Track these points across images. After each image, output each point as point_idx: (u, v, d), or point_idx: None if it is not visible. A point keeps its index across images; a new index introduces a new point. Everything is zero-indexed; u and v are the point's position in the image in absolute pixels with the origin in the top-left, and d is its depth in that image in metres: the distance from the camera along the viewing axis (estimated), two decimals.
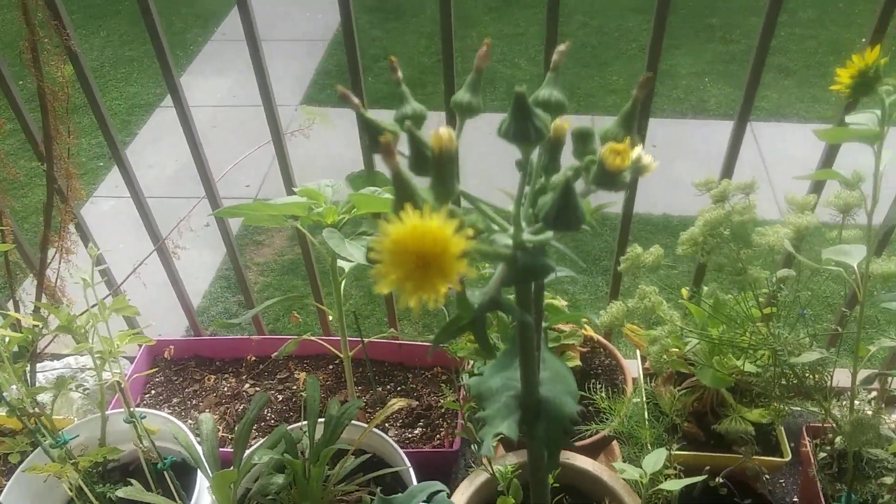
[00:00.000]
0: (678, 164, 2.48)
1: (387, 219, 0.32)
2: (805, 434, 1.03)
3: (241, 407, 1.20)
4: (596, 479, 0.99)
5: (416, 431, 1.16)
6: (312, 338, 1.16)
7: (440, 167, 0.36)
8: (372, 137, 0.40)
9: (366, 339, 1.13)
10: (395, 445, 1.02)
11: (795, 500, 1.14)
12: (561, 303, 1.12)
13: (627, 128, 0.38)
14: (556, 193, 0.36)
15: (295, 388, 1.23)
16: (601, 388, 1.08)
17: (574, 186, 0.36)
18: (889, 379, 0.90)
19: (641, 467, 0.91)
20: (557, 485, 0.95)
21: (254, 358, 1.29)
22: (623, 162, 0.36)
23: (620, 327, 0.95)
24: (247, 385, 1.25)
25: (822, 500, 0.95)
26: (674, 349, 0.94)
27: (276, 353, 1.12)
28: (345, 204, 0.97)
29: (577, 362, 1.05)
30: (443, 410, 1.19)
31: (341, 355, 1.10)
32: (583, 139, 0.39)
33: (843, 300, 1.16)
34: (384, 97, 3.04)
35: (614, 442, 1.13)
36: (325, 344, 1.16)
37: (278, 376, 1.26)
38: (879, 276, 0.77)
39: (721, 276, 0.87)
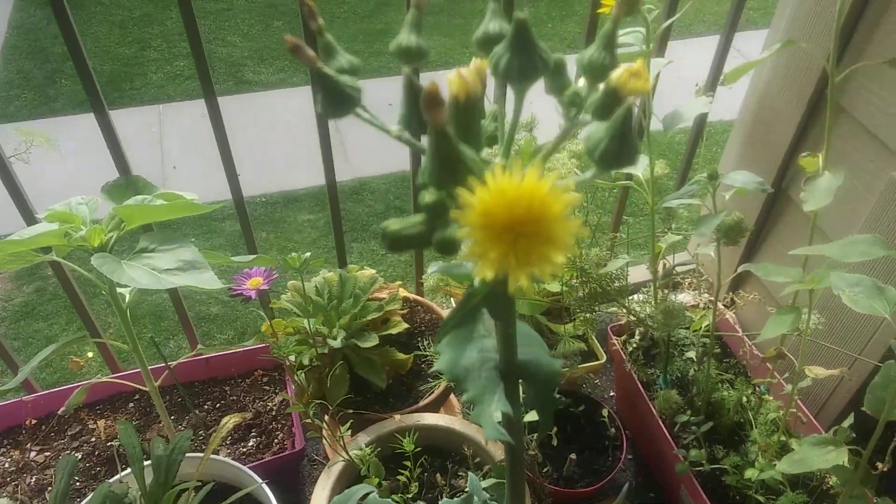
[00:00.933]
0: None
1: (464, 188, 0.26)
2: (611, 334, 1.14)
3: (33, 479, 1.01)
4: (449, 430, 1.00)
5: (250, 443, 1.07)
6: (106, 379, 1.00)
7: (468, 118, 0.31)
8: (332, 95, 0.34)
9: (171, 363, 1.01)
10: (239, 465, 0.93)
11: (612, 394, 1.27)
12: (369, 271, 1.10)
13: (613, 51, 0.35)
14: (611, 129, 0.32)
15: (94, 440, 1.06)
16: (428, 343, 1.08)
17: (632, 115, 0.32)
18: (673, 268, 1.02)
19: None
20: (419, 449, 0.95)
21: (33, 421, 1.09)
22: (645, 84, 0.32)
23: (445, 285, 0.96)
24: (33, 453, 1.05)
25: (640, 387, 1.06)
26: None
27: (62, 409, 0.95)
28: (110, 220, 0.83)
29: (404, 325, 1.04)
30: (274, 413, 1.11)
31: (144, 388, 0.97)
32: (557, 71, 0.35)
33: (634, 208, 1.29)
34: (84, 101, 2.69)
35: (451, 395, 1.15)
36: (123, 381, 1.01)
37: (69, 433, 1.08)
38: (657, 178, 0.86)
39: None
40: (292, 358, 0.98)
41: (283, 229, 2.25)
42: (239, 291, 0.86)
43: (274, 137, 2.65)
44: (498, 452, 0.97)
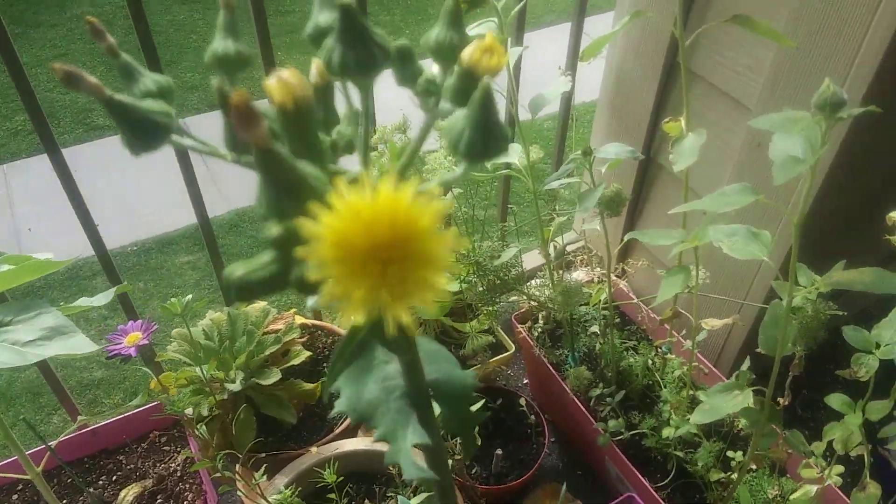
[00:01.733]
0: None
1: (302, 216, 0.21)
2: (515, 323, 1.14)
3: None
4: (370, 453, 0.96)
5: None
6: None
7: (302, 128, 0.26)
8: (135, 126, 0.28)
9: (52, 443, 0.91)
10: None
11: (525, 381, 1.27)
12: (260, 303, 1.04)
13: (461, 29, 0.31)
14: (472, 117, 0.28)
15: None
16: None
17: (491, 98, 0.28)
18: (564, 248, 1.03)
19: None
20: (342, 478, 0.90)
21: None
22: (500, 60, 0.29)
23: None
24: None
25: (552, 369, 1.07)
26: None
27: None
28: None
29: (306, 353, 0.99)
30: (179, 475, 1.03)
31: (26, 477, 0.87)
32: (406, 58, 0.31)
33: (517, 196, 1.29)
34: None
35: None
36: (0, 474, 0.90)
37: None
38: (534, 163, 0.87)
39: None
40: (190, 411, 0.91)
41: (161, 276, 2.12)
42: (116, 351, 0.78)
43: (137, 181, 2.50)
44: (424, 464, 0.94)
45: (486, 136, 0.29)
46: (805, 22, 0.83)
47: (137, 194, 2.43)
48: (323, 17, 0.32)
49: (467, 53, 0.30)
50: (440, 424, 0.42)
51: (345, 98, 0.34)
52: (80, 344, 0.66)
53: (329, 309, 0.96)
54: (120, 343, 0.79)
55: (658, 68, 1.05)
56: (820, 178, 0.88)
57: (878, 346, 0.72)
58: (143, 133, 0.30)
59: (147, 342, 0.78)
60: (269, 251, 0.28)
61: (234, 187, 2.41)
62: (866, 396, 0.75)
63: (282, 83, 0.26)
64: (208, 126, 2.63)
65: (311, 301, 0.45)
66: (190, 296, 0.81)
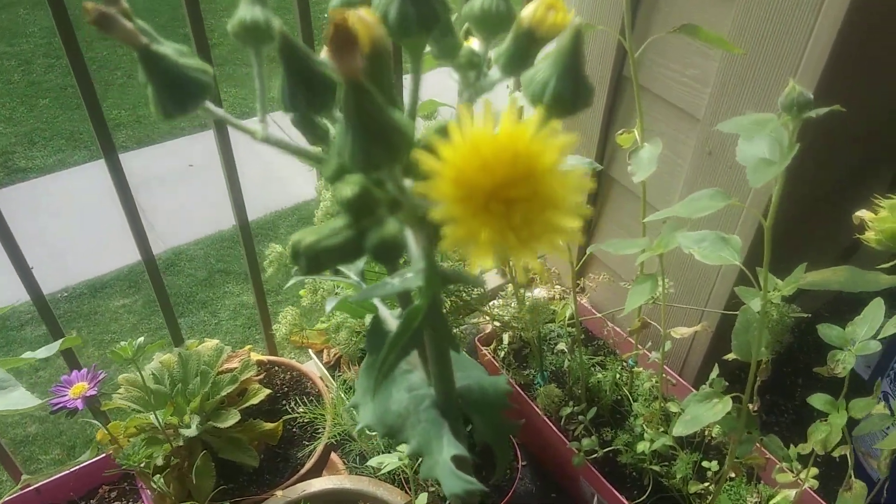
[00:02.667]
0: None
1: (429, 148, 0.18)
2: (479, 345, 1.12)
3: None
4: (339, 491, 0.91)
5: None
6: None
7: (379, 72, 0.23)
8: (174, 82, 0.25)
9: None
10: None
11: None
12: (212, 342, 0.99)
13: None
14: (559, 64, 0.26)
15: None
16: (297, 403, 0.99)
17: (581, 41, 0.25)
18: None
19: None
20: None
21: None
22: (564, 16, 0.26)
23: (300, 331, 0.88)
24: None
25: (520, 390, 1.05)
26: (357, 329, 0.91)
27: None
28: None
29: (265, 391, 0.94)
30: None
31: None
32: (445, 29, 0.28)
33: None
34: None
35: (332, 454, 1.06)
36: None
37: None
38: None
39: None
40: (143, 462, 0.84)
41: (95, 322, 2.01)
42: (61, 405, 0.71)
43: (63, 224, 2.38)
44: (396, 498, 0.90)
45: (576, 85, 0.26)
46: (749, 32, 0.85)
47: (63, 239, 2.31)
48: None
49: (528, 12, 0.28)
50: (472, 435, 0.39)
51: None
52: (21, 399, 0.60)
53: (287, 339, 0.91)
54: (64, 395, 0.72)
55: (606, 82, 1.06)
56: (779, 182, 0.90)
57: (850, 342, 0.72)
58: (182, 91, 0.26)
59: (95, 392, 0.72)
60: (342, 217, 0.25)
61: (169, 225, 2.33)
62: (841, 395, 0.76)
63: (360, 21, 0.24)
64: (137, 164, 2.53)
65: (329, 305, 0.40)
66: (142, 338, 0.76)
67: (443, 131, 0.20)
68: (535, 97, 0.27)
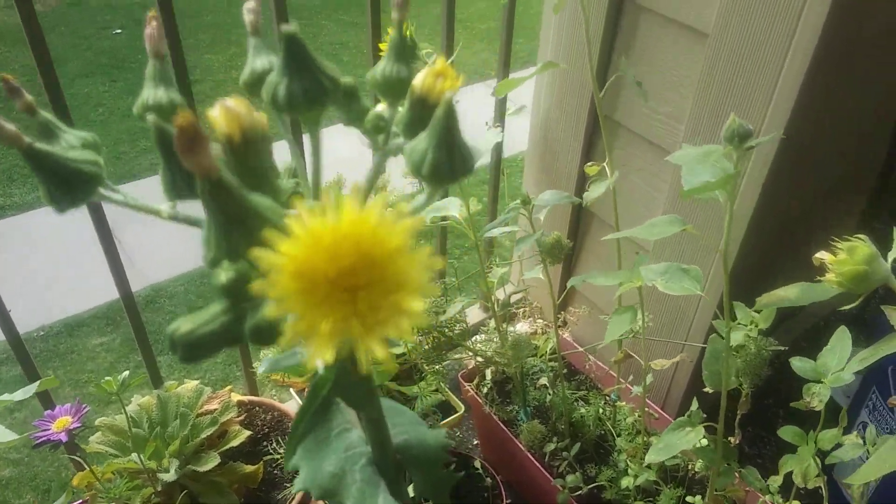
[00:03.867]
0: None
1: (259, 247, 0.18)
2: (462, 381, 1.11)
3: None
4: None
5: None
6: None
7: (253, 161, 0.24)
8: (60, 176, 0.25)
9: None
10: None
11: (475, 442, 1.23)
12: (191, 383, 0.98)
13: (408, 62, 0.30)
14: (434, 136, 0.26)
15: None
16: (279, 444, 0.98)
17: (454, 114, 0.26)
18: (509, 297, 1.02)
19: None
20: None
21: None
22: (453, 83, 0.27)
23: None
24: None
25: (503, 426, 1.04)
26: None
27: None
28: None
29: (245, 433, 0.93)
30: None
31: None
32: (350, 96, 0.30)
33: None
34: None
35: None
36: None
37: None
38: (474, 213, 0.86)
39: None
40: None
41: (72, 361, 1.98)
42: (44, 438, 0.71)
43: (39, 262, 2.35)
44: None
45: (451, 156, 0.27)
46: (720, 70, 0.87)
47: (39, 277, 2.29)
48: (259, 61, 0.31)
49: (419, 80, 0.29)
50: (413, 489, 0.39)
51: (290, 148, 0.32)
52: (0, 434, 0.60)
53: (292, 350, 0.90)
54: (48, 429, 0.72)
55: (583, 120, 1.08)
56: (748, 212, 0.91)
57: (824, 374, 0.73)
58: (70, 185, 0.27)
59: (79, 425, 0.72)
60: (219, 301, 0.25)
61: (149, 262, 2.31)
62: (819, 427, 0.76)
63: (227, 112, 0.24)
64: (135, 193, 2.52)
65: (262, 366, 0.41)
66: (126, 372, 0.75)
67: (296, 219, 0.20)
68: (416, 167, 0.28)
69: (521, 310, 1.11)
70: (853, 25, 0.83)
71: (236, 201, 0.22)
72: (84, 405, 0.75)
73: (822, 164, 1.05)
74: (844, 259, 0.51)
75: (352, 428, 0.35)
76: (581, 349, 1.12)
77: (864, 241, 0.53)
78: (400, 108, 0.30)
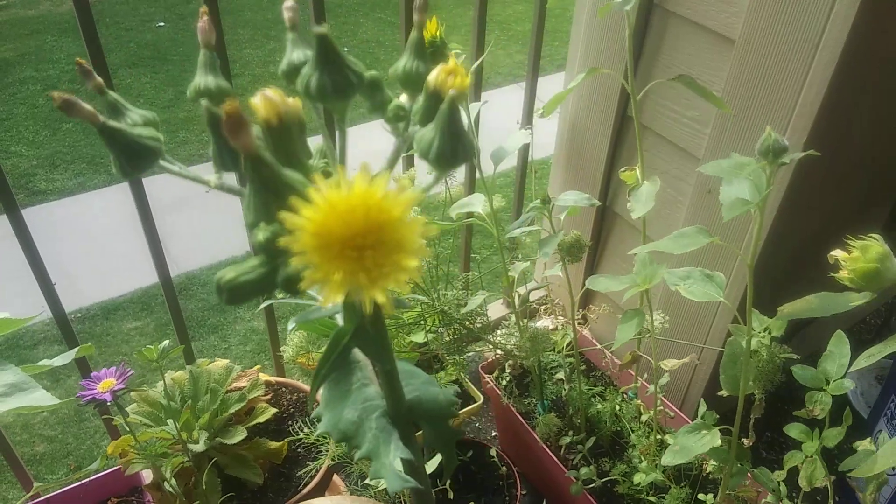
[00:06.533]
0: None
1: (289, 208, 0.23)
2: (482, 373, 1.14)
3: None
4: None
5: None
6: None
7: (287, 143, 0.28)
8: (127, 149, 0.30)
9: None
10: None
11: (495, 433, 1.26)
12: (222, 361, 1.02)
13: (425, 59, 0.34)
14: (440, 126, 0.30)
15: None
16: (302, 424, 1.02)
17: (457, 108, 0.30)
18: (528, 294, 1.05)
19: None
20: None
21: None
22: (463, 80, 0.31)
23: (307, 354, 0.91)
24: None
25: (521, 418, 1.07)
26: None
27: None
28: None
29: (272, 410, 0.97)
30: None
31: None
32: (375, 87, 0.34)
33: (476, 246, 1.31)
34: None
35: (334, 475, 1.08)
36: None
37: None
38: (497, 211, 0.89)
39: None
40: (147, 475, 0.87)
41: (107, 343, 2.05)
42: (91, 396, 0.76)
43: (78, 247, 2.43)
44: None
45: (454, 143, 0.31)
46: (745, 77, 0.89)
47: (78, 261, 2.36)
48: (296, 54, 0.35)
49: (433, 76, 0.33)
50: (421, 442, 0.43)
51: (322, 133, 0.36)
52: (41, 398, 0.64)
53: (295, 359, 0.94)
54: (93, 389, 0.77)
55: (610, 122, 1.10)
56: (769, 220, 0.93)
57: (827, 381, 0.74)
58: (135, 156, 0.31)
59: (123, 386, 0.77)
60: (258, 256, 0.30)
61: (183, 250, 2.37)
62: (825, 427, 0.78)
63: (266, 100, 0.29)
64: (155, 189, 2.60)
65: (291, 323, 0.46)
66: (167, 341, 0.80)
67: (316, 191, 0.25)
68: (423, 153, 0.32)
69: (543, 306, 1.13)
70: (878, 36, 0.84)
71: (272, 175, 0.27)
72: (129, 369, 0.80)
73: (845, 174, 1.06)
74: (857, 256, 0.53)
75: (370, 383, 0.39)
76: (599, 346, 1.14)
77: (877, 239, 0.55)
78: (419, 100, 0.34)
